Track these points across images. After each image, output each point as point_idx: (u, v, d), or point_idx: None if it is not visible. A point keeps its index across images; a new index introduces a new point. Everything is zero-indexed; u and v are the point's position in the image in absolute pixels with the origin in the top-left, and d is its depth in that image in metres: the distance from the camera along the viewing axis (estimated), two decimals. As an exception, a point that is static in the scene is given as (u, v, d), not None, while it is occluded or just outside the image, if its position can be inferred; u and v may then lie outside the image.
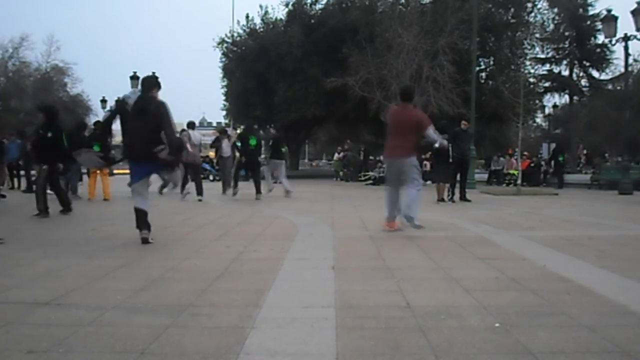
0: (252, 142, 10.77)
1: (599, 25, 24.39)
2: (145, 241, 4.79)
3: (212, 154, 23.63)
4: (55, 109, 8.18)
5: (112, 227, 6.25)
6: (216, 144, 13.53)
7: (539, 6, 23.77)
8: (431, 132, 5.83)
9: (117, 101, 5.54)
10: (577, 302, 2.93)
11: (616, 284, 3.40)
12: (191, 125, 11.46)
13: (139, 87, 5.16)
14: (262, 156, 14.13)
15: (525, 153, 21.21)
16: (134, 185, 5.01)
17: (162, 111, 4.83)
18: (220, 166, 13.83)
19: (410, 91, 6.44)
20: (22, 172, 14.21)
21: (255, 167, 11.21)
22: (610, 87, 31.25)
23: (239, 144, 11.12)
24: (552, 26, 28.77)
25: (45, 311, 2.73)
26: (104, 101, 27.99)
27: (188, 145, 10.57)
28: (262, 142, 13.04)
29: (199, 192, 10.31)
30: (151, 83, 5.02)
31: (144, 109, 4.81)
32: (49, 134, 7.25)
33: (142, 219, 4.87)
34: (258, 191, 10.65)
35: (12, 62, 33.42)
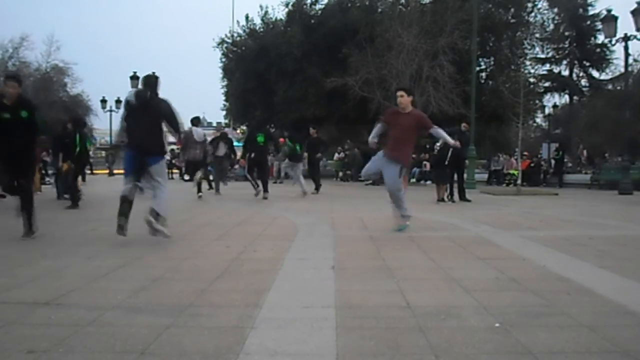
0: (260, 139, 10.73)
1: (599, 25, 24.40)
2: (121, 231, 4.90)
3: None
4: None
5: (112, 227, 6.23)
6: (213, 144, 13.53)
7: (539, 6, 23.78)
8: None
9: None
10: (577, 302, 2.93)
11: (616, 284, 3.40)
12: (195, 121, 11.40)
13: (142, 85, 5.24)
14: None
15: (525, 153, 21.24)
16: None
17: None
18: (215, 165, 13.86)
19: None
20: None
21: (263, 165, 11.20)
22: (610, 87, 31.22)
23: (241, 143, 11.18)
24: (552, 26, 28.74)
25: (45, 311, 2.73)
26: (104, 101, 28.02)
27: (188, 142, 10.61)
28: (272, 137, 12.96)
29: (199, 189, 10.35)
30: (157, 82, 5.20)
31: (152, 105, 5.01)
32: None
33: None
34: (265, 190, 10.64)
35: (12, 62, 33.32)
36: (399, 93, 5.88)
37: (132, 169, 5.04)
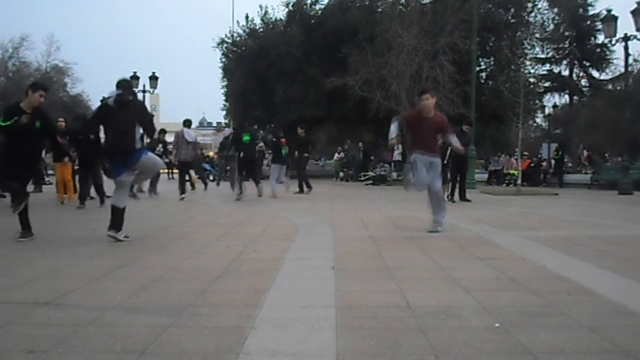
0: (245, 138, 10.73)
1: (599, 25, 24.42)
2: (116, 239, 4.87)
3: (211, 154, 23.37)
4: None
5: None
6: (226, 146, 13.61)
7: (539, 6, 23.79)
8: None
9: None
10: (577, 302, 2.92)
11: (616, 284, 3.40)
12: (186, 123, 11.44)
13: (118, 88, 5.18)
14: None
15: (525, 153, 21.26)
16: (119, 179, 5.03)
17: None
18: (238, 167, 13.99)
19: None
20: None
21: (253, 166, 11.19)
22: (610, 87, 31.28)
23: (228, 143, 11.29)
24: (552, 26, 28.79)
25: (45, 311, 2.73)
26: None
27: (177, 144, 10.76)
28: (260, 136, 12.99)
29: (182, 191, 10.37)
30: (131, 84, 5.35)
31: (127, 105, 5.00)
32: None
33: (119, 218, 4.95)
34: (259, 193, 10.65)
35: (12, 62, 33.41)
36: (425, 96, 5.70)
37: (118, 173, 5.04)
